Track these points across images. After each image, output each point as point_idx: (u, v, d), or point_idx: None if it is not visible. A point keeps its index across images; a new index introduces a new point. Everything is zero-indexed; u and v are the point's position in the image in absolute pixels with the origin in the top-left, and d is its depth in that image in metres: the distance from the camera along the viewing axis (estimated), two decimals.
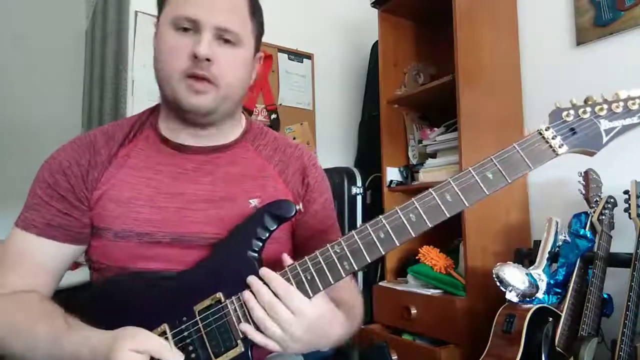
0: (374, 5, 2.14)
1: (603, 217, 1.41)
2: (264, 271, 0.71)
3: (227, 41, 0.78)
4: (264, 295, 0.68)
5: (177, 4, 0.78)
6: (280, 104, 2.39)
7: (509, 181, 0.68)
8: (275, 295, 0.68)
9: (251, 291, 0.70)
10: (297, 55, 2.49)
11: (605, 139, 0.69)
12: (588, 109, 0.70)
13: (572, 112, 0.70)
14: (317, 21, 2.56)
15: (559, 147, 0.68)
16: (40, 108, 2.44)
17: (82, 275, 0.92)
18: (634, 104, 0.69)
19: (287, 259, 0.73)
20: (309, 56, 2.53)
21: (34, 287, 0.78)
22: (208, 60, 0.76)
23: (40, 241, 0.79)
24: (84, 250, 0.84)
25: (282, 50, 2.42)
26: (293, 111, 2.43)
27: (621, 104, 0.69)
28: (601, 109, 0.70)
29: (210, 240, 0.80)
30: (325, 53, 2.58)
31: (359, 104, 2.64)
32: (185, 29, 0.77)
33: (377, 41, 2.21)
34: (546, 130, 0.69)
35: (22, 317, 0.72)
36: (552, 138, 0.69)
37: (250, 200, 0.83)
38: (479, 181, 0.68)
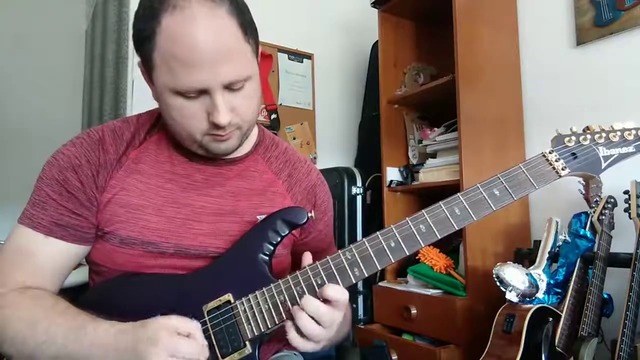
0: (374, 5, 2.14)
1: (603, 217, 1.41)
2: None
3: (238, 88, 0.73)
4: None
5: (172, 71, 0.70)
6: (280, 104, 2.39)
7: (515, 198, 0.73)
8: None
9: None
10: (297, 55, 2.49)
11: (604, 165, 0.75)
12: (588, 136, 0.76)
13: (573, 138, 0.76)
14: (317, 21, 2.56)
15: (562, 169, 0.74)
16: (40, 108, 2.45)
17: (82, 275, 0.91)
18: (629, 134, 0.75)
19: (308, 258, 0.75)
20: (309, 56, 2.53)
21: (41, 287, 0.77)
22: None
23: (47, 241, 0.77)
24: (88, 251, 0.82)
25: (282, 50, 2.42)
26: (293, 111, 2.43)
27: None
28: (600, 137, 0.75)
29: (214, 253, 0.80)
30: (325, 53, 2.58)
31: (359, 104, 2.63)
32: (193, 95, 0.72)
33: (377, 41, 2.21)
34: (550, 153, 0.75)
35: (40, 311, 0.71)
36: (556, 161, 0.74)
37: (258, 216, 0.83)
38: (486, 197, 0.73)
